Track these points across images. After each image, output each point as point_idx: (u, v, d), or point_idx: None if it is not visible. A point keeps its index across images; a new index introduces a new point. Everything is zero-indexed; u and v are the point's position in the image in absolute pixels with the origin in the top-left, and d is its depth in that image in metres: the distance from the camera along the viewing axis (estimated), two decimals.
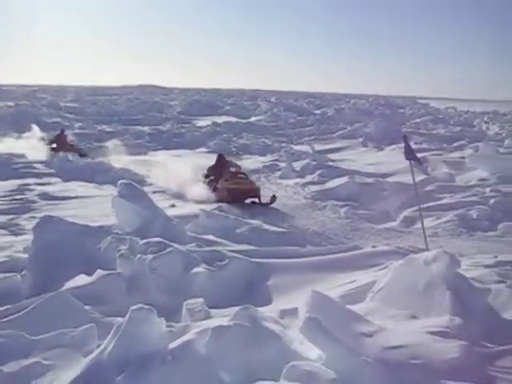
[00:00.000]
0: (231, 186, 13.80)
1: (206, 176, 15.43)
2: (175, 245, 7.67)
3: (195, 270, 7.31)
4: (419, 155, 19.56)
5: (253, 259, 7.91)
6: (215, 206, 11.33)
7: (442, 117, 56.14)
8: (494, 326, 5.35)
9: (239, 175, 14.46)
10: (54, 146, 23.05)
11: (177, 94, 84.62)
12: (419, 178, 15.88)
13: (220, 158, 15.59)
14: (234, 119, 42.95)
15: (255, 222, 10.61)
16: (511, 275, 7.37)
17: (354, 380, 3.96)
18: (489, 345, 4.91)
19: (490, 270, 7.64)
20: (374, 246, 9.08)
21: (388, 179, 16.88)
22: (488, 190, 14.86)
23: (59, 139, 23.52)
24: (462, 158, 21.24)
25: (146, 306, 4.33)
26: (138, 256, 7.31)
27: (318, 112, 53.63)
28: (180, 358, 4.00)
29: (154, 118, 43.90)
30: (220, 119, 41.91)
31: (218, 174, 14.80)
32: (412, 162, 9.12)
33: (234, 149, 26.15)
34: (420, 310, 5.44)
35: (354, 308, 5.41)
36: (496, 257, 8.53)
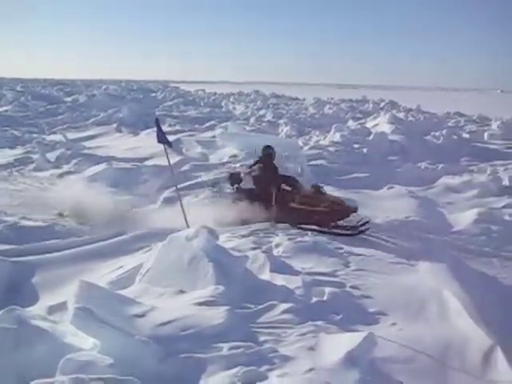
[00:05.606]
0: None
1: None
2: None
3: None
4: (173, 137, 20.36)
5: (12, 259, 7.43)
6: None
7: (193, 99, 58.30)
8: (254, 287, 5.93)
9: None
10: None
11: None
12: (176, 159, 16.44)
13: (269, 150, 10.51)
14: None
15: (11, 219, 9.90)
16: (264, 242, 8.19)
17: (132, 360, 4.06)
18: (250, 305, 5.44)
19: (246, 239, 8.38)
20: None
21: (146, 163, 17.07)
22: (238, 165, 16.01)
23: None
24: (213, 137, 22.45)
25: None
26: None
27: (69, 99, 51.11)
28: None
29: None
30: None
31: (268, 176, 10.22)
32: (164, 144, 9.40)
33: None
34: (187, 285, 5.75)
35: (124, 292, 5.50)
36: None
